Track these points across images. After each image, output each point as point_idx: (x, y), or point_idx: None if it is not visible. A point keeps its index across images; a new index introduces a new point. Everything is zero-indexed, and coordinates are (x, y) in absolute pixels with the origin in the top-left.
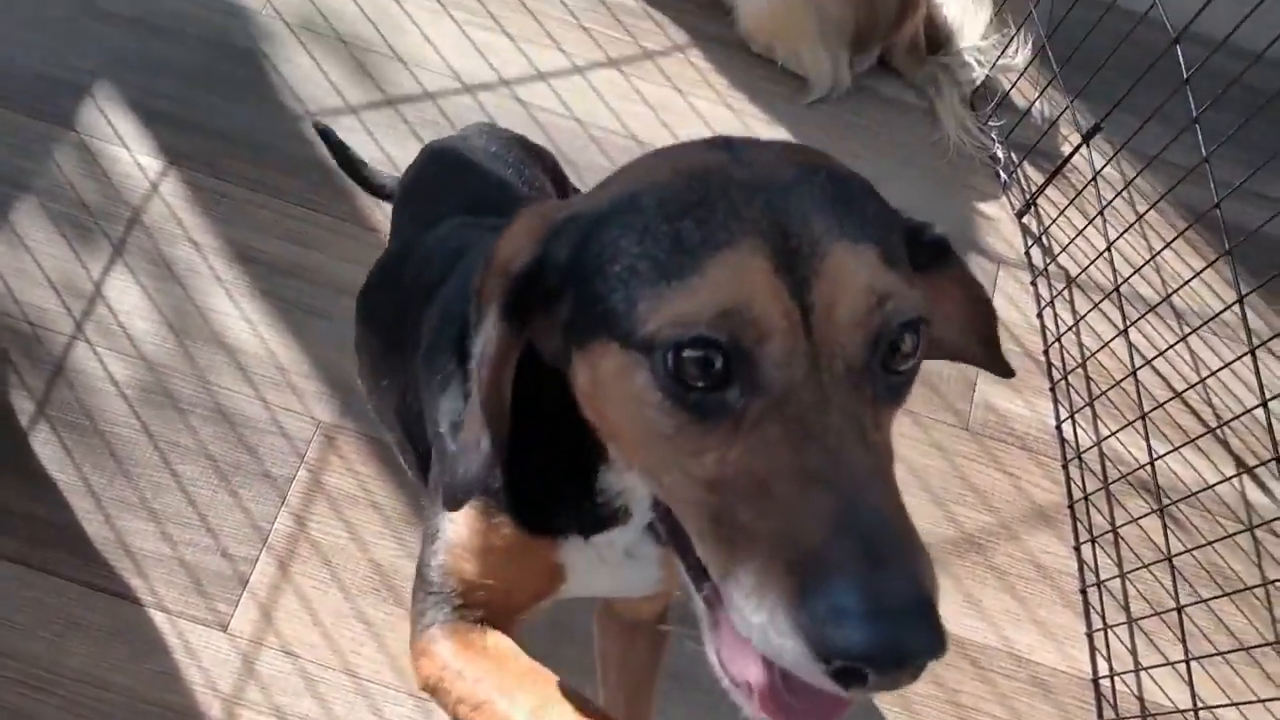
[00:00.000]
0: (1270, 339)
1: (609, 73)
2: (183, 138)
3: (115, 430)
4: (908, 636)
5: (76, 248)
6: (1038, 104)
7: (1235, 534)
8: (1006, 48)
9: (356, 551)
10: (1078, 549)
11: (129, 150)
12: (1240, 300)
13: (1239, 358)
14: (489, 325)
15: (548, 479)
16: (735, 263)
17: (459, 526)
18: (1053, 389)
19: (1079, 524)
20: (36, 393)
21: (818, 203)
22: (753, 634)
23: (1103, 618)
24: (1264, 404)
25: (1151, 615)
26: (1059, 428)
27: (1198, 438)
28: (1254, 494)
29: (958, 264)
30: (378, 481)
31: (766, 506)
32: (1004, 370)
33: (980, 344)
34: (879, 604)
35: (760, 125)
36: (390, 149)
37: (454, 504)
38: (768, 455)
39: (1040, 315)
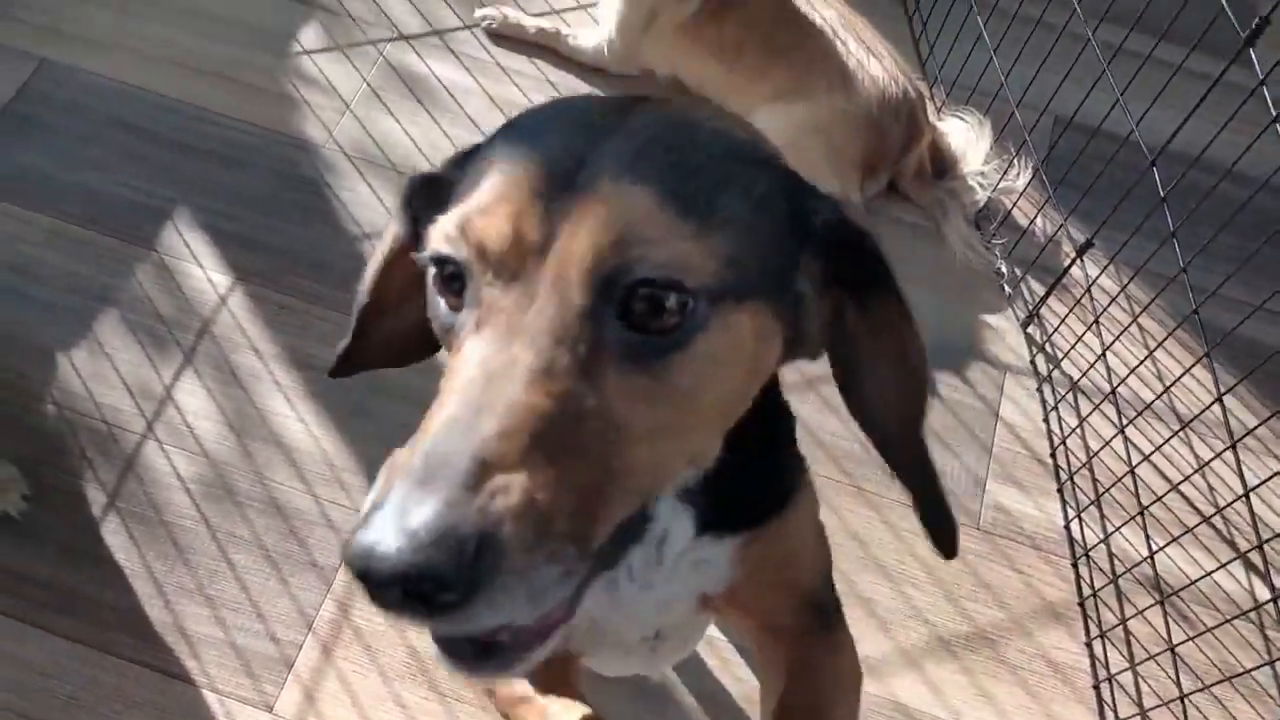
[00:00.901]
0: (1247, 433)
1: None
2: (250, 256)
3: (178, 521)
4: (411, 555)
5: (151, 354)
6: (1037, 222)
7: (1233, 618)
8: (1006, 172)
9: (395, 638)
10: (1089, 644)
11: (202, 267)
12: (1219, 399)
13: (1221, 452)
14: (390, 222)
15: None
16: (502, 182)
17: None
18: (1060, 489)
19: (1089, 620)
20: (108, 486)
21: (629, 142)
22: None
23: (1114, 711)
24: (1245, 495)
25: (1160, 706)
26: (1067, 527)
27: (1192, 528)
28: (1262, 591)
29: (893, 294)
30: None
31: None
32: (938, 535)
33: (897, 428)
34: (397, 521)
35: None
36: None
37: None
38: (456, 356)
39: (1046, 419)
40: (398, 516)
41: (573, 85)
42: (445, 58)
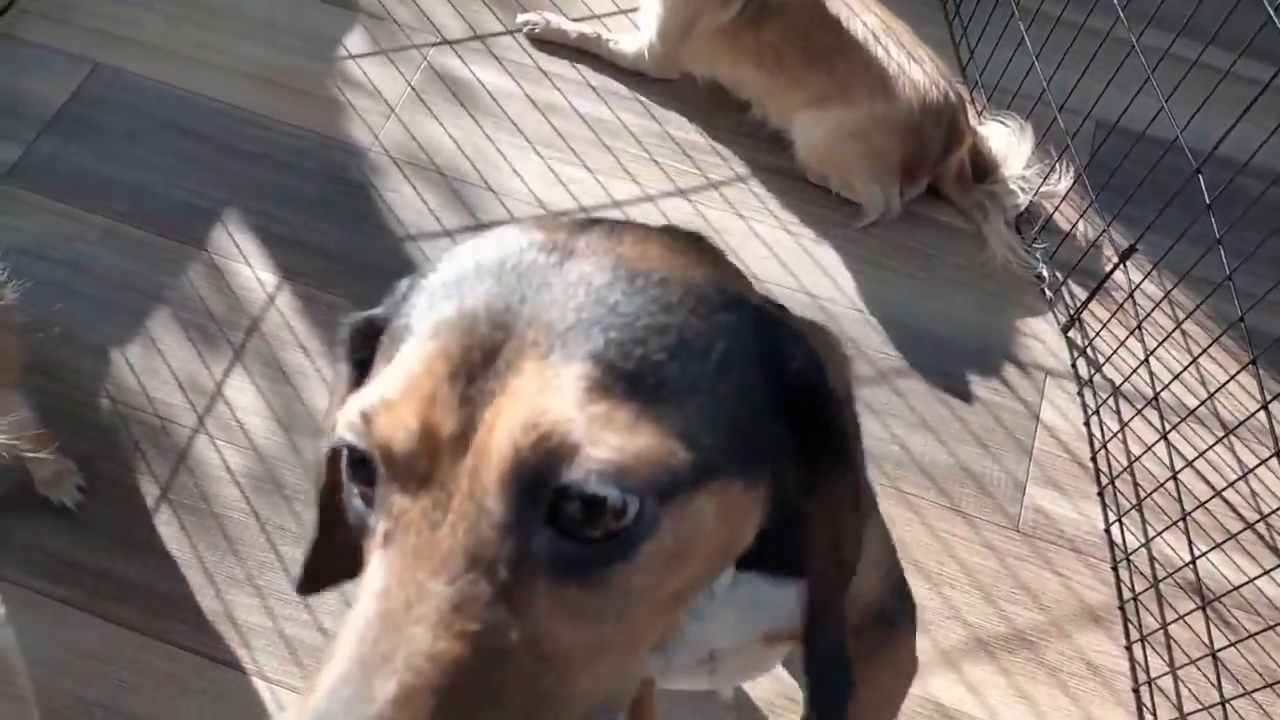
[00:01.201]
0: None
1: (677, 201)
2: (298, 256)
3: (228, 514)
4: None
5: (201, 351)
6: (1079, 227)
7: (1276, 625)
8: (1048, 176)
9: None
10: (1129, 648)
11: (251, 267)
12: (1265, 406)
13: (1266, 459)
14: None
15: None
16: (414, 361)
17: None
18: (1100, 493)
19: (1129, 624)
20: (161, 479)
21: (563, 303)
22: None
23: (1154, 714)
24: None
25: (1200, 710)
26: (1108, 530)
27: (1236, 534)
28: None
29: (848, 474)
30: None
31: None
32: (820, 694)
33: (819, 607)
34: None
35: (816, 248)
36: None
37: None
38: (366, 576)
39: (1087, 423)
40: None
41: (613, 89)
42: (488, 62)
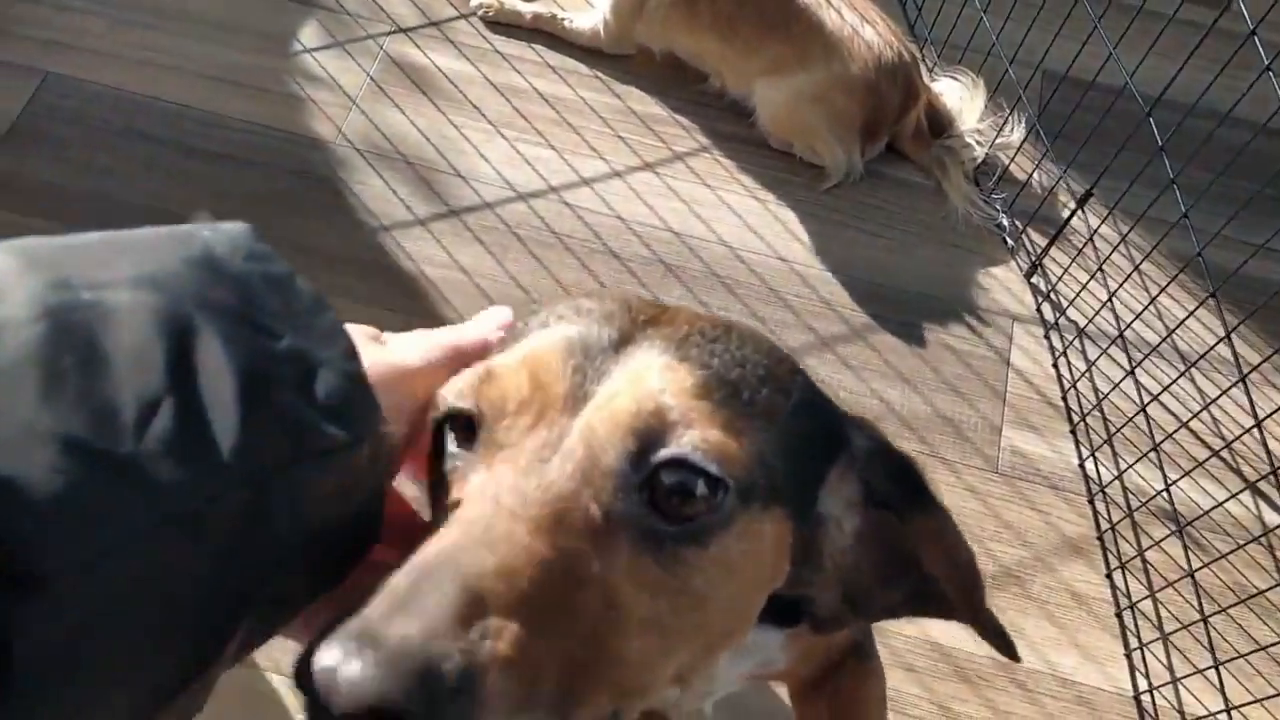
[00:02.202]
0: (1255, 367)
1: (645, 175)
2: None
3: None
4: (349, 674)
5: None
6: (1036, 175)
7: (1246, 544)
8: (1003, 128)
9: None
10: (1109, 576)
11: None
12: (1227, 336)
13: (1229, 387)
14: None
15: None
16: (530, 341)
17: None
18: (1073, 431)
19: (1108, 553)
20: None
21: (671, 330)
22: None
23: (1138, 637)
24: (1258, 425)
25: (1180, 629)
26: (1082, 466)
27: (1204, 461)
28: (1270, 515)
29: (931, 511)
30: None
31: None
32: (1003, 649)
33: (964, 605)
34: (353, 634)
35: (784, 212)
36: (456, 254)
37: None
38: (463, 497)
39: (1055, 365)
40: (372, 638)
41: (572, 67)
42: (445, 48)
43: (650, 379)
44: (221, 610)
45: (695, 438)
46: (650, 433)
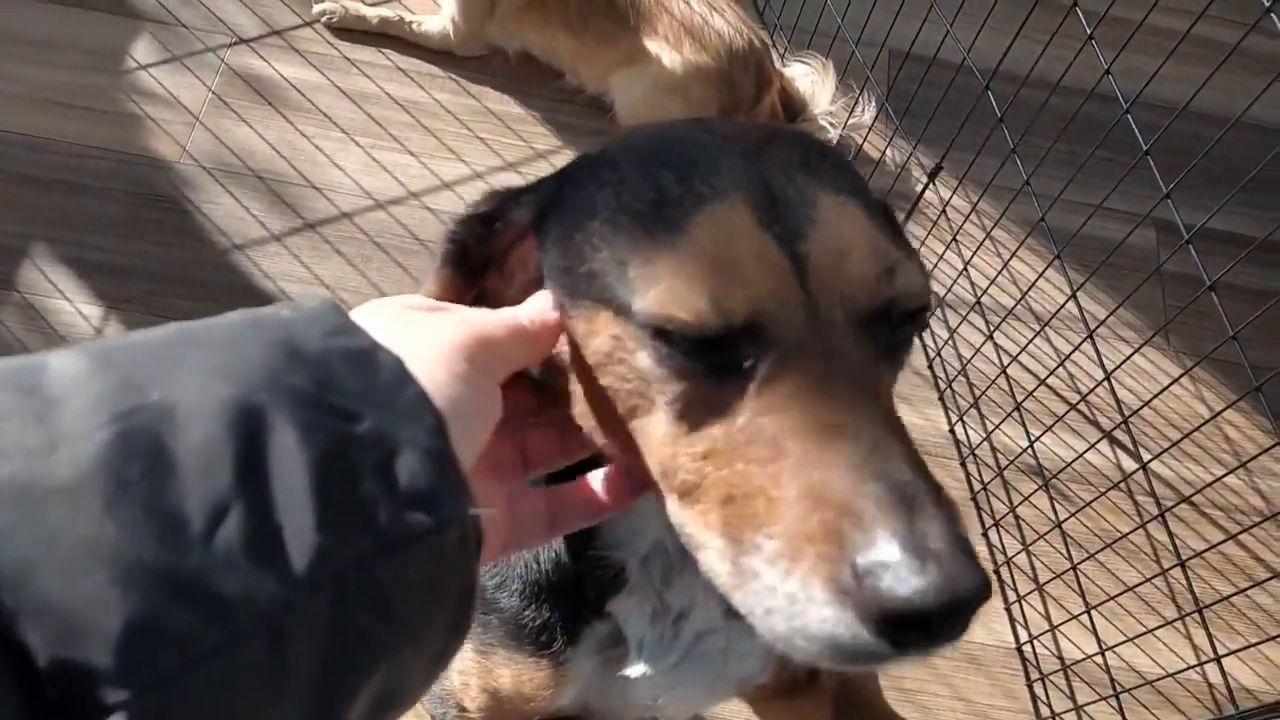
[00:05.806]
0: (1100, 324)
1: (507, 174)
2: (119, 283)
3: None
4: (960, 579)
5: None
6: (888, 153)
7: (1107, 490)
8: (854, 109)
9: None
10: (985, 535)
11: (69, 301)
12: (1074, 295)
13: (1079, 344)
14: (427, 281)
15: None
16: (721, 221)
17: (464, 658)
18: (940, 397)
19: (982, 513)
20: None
21: (796, 157)
22: (776, 612)
23: (1015, 591)
24: (1108, 377)
25: (1053, 579)
26: (952, 431)
27: (1061, 416)
28: (1127, 461)
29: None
30: None
31: (784, 467)
32: None
33: None
34: (925, 549)
35: None
36: (316, 269)
37: None
38: (781, 413)
39: (919, 334)
40: (932, 550)
41: (425, 70)
42: (290, 57)
43: (850, 226)
44: (315, 706)
45: (913, 282)
46: (886, 295)
